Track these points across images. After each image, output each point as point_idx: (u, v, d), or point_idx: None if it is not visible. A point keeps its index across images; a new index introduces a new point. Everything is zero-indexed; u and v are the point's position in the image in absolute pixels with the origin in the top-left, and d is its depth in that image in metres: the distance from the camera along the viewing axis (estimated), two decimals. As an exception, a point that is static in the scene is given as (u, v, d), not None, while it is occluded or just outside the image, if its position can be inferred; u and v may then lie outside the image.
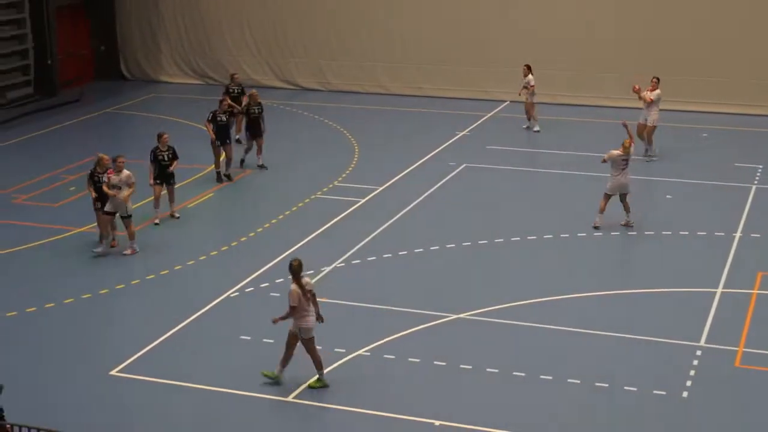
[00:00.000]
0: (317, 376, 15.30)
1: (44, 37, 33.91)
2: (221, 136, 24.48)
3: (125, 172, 20.05)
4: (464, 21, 33.11)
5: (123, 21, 36.95)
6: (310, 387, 15.23)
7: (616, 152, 21.37)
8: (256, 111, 25.52)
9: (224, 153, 24.63)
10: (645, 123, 26.32)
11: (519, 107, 31.65)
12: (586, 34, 32.00)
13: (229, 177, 24.75)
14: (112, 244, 20.58)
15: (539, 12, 32.45)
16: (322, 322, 15.30)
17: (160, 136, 22.08)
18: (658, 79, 26.30)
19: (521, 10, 32.64)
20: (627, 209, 21.57)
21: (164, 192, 22.06)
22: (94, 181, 20.32)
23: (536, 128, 29.26)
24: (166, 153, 21.97)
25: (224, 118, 24.63)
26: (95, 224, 20.97)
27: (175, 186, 22.30)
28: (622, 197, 21.54)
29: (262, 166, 25.73)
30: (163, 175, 21.96)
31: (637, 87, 26.11)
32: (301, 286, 14.89)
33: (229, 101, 25.92)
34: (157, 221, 21.96)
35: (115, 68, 37.05)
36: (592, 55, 31.95)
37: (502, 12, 32.81)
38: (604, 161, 21.57)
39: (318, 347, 15.26)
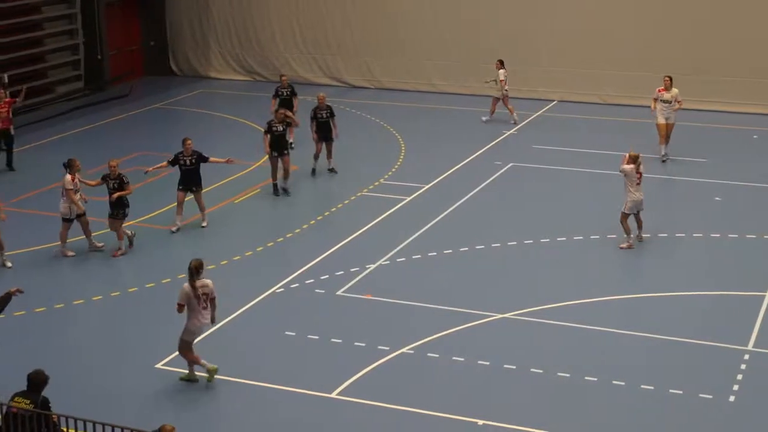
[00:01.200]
0: (189, 371, 15.35)
1: (95, 33, 34.24)
2: (278, 146, 23.43)
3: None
4: (512, 20, 32.95)
5: (173, 17, 37.19)
6: (180, 378, 15.38)
7: (629, 167, 20.13)
8: (324, 115, 24.90)
9: (282, 165, 23.55)
10: (667, 122, 25.88)
11: (568, 106, 31.59)
12: (633, 35, 31.73)
13: (286, 191, 23.69)
14: (114, 253, 20.40)
15: (587, 12, 32.22)
16: (213, 323, 15.48)
17: (183, 142, 21.62)
18: (670, 78, 25.92)
19: (570, 10, 32.44)
20: (640, 225, 20.52)
21: (189, 198, 21.67)
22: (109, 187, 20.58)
23: (485, 118, 30.15)
24: (189, 158, 21.41)
25: (281, 128, 23.47)
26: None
27: (202, 192, 21.78)
28: (638, 214, 20.48)
29: (332, 170, 25.28)
30: (186, 181, 21.50)
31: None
32: (193, 287, 14.90)
33: (285, 112, 24.26)
34: (174, 229, 21.47)
35: (165, 64, 37.32)
36: (640, 56, 31.66)
37: (550, 11, 32.63)
38: (622, 172, 20.28)
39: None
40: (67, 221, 20.21)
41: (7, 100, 25.61)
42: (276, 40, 35.82)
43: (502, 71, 29.54)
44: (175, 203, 21.66)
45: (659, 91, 25.83)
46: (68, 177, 20.21)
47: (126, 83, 34.94)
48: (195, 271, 15.03)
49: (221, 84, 35.85)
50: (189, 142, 21.60)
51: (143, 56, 37.21)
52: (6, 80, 27.48)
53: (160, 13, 37.10)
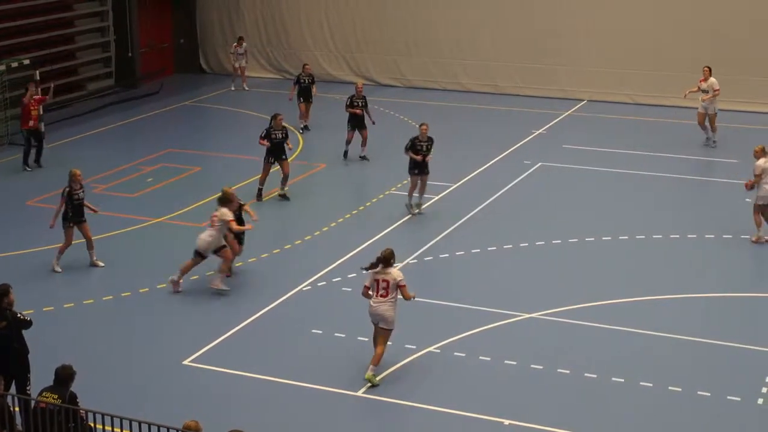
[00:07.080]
0: None
1: (125, 30, 34.43)
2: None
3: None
4: (542, 19, 32.87)
5: (203, 15, 37.35)
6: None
7: (762, 161, 19.83)
8: (360, 104, 26.04)
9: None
10: (707, 113, 26.88)
11: (598, 106, 31.49)
12: (665, 35, 31.54)
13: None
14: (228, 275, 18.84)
15: (619, 11, 32.06)
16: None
17: (275, 117, 22.94)
18: (710, 69, 26.95)
19: (600, 9, 32.29)
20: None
21: (276, 168, 23.01)
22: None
23: (233, 88, 34.35)
24: (280, 132, 22.85)
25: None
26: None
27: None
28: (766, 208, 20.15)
29: (364, 158, 26.19)
30: (275, 152, 22.83)
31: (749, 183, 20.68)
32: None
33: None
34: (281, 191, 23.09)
35: (195, 62, 37.48)
36: (670, 56, 31.46)
37: (580, 10, 32.50)
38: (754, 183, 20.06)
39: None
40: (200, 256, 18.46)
41: (37, 97, 25.68)
42: (305, 38, 35.91)
43: (244, 44, 34.11)
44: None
45: (700, 81, 26.94)
46: (225, 209, 18.17)
47: (156, 81, 35.10)
48: (384, 260, 15.27)
49: (250, 82, 35.84)
50: (280, 117, 22.99)
51: (174, 54, 37.38)
52: (37, 77, 27.62)
53: (191, 12, 37.27)
